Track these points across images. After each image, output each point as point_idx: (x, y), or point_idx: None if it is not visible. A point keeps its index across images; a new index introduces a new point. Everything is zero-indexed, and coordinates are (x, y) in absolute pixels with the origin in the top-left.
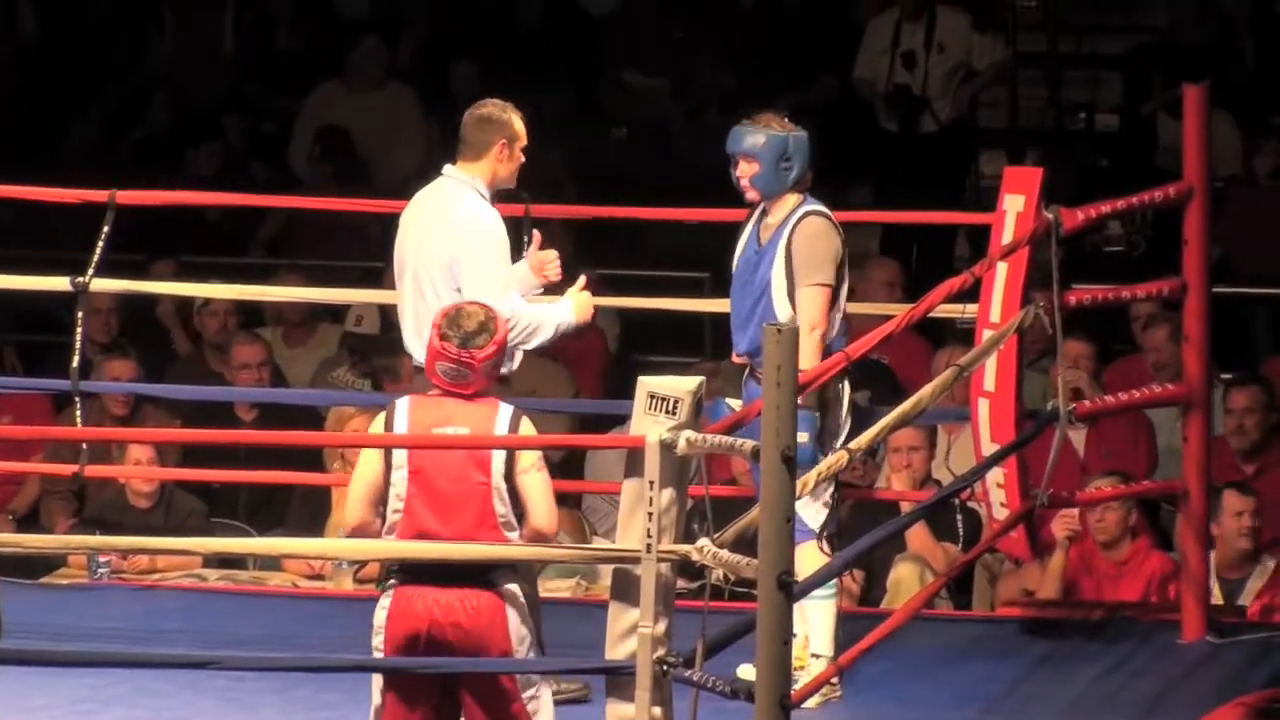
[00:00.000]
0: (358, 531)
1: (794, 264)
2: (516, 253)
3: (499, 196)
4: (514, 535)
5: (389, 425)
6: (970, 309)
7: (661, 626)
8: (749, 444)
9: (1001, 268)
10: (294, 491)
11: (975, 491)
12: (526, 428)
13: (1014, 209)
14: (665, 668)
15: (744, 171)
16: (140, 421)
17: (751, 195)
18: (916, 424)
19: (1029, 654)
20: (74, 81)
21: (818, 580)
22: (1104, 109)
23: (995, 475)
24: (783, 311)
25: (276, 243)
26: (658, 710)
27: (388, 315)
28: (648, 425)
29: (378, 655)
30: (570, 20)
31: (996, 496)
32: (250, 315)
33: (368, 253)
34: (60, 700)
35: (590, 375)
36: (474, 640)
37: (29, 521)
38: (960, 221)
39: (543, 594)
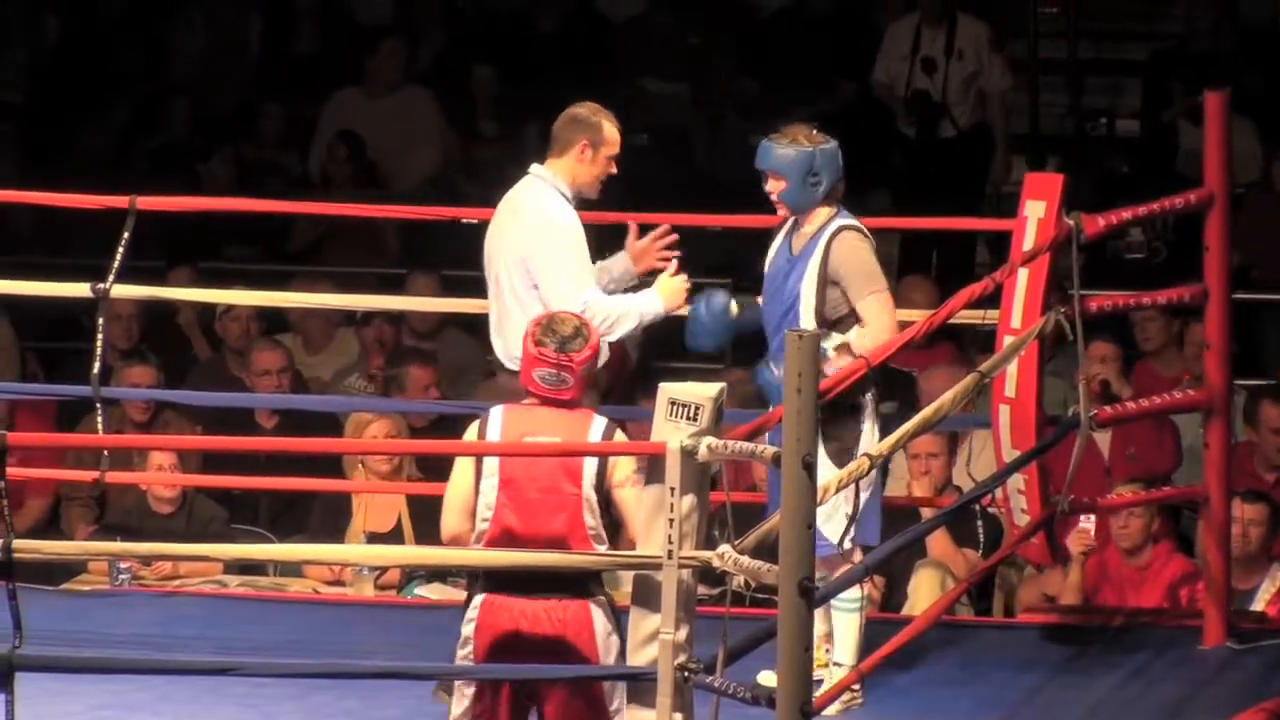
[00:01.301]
0: (454, 541)
1: (846, 281)
2: (597, 255)
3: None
4: (603, 548)
5: (482, 434)
6: (991, 315)
7: (683, 633)
8: (770, 450)
9: (1022, 274)
10: (315, 498)
11: (996, 497)
12: (621, 439)
13: (1035, 215)
14: (686, 674)
15: (773, 188)
16: (162, 428)
17: (782, 211)
18: (939, 430)
19: (1049, 660)
20: (93, 88)
21: (838, 586)
22: (1124, 115)
23: (1016, 481)
24: (809, 323)
25: (298, 249)
26: (679, 717)
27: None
28: (669, 431)
29: (466, 665)
30: (590, 26)
31: (1017, 503)
32: (271, 321)
33: (385, 259)
34: (81, 707)
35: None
36: (563, 651)
37: (49, 527)
38: (981, 228)
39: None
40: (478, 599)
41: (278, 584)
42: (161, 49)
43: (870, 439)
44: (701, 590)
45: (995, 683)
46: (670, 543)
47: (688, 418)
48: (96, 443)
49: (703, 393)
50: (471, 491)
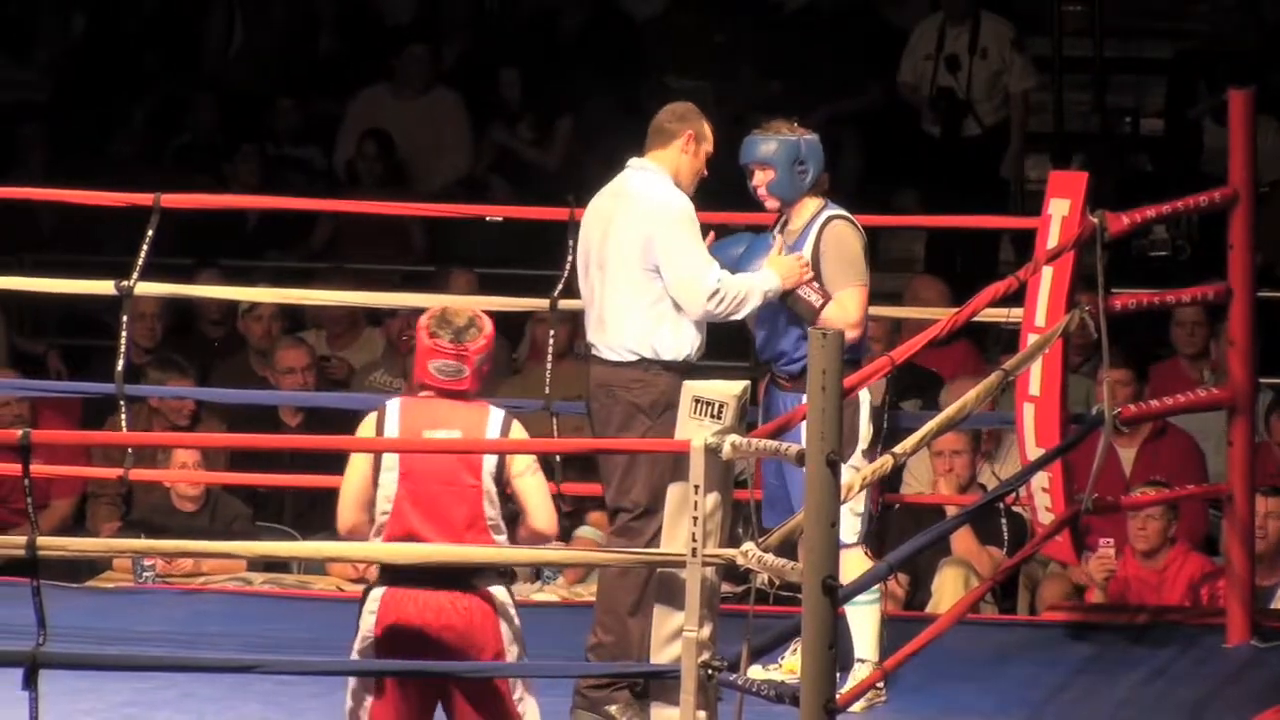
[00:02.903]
0: (350, 534)
1: (826, 269)
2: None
3: (541, 198)
4: (501, 538)
5: (380, 427)
6: (1015, 313)
7: (706, 631)
8: (794, 448)
9: (1047, 272)
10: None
11: (1020, 496)
12: (518, 431)
13: (1059, 213)
14: (710, 672)
15: (760, 180)
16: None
17: (771, 204)
18: (962, 428)
19: (1073, 658)
20: (118, 86)
21: (862, 584)
22: (1149, 114)
23: (1040, 480)
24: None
25: (321, 246)
26: (702, 714)
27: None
28: (693, 429)
29: (362, 657)
30: (613, 25)
31: (1041, 501)
32: (295, 319)
33: (412, 256)
34: (105, 704)
35: None
36: (465, 642)
37: (76, 525)
38: (1005, 226)
39: (588, 597)
40: (377, 592)
41: (302, 581)
42: (187, 47)
43: (865, 429)
44: (725, 588)
45: (1019, 681)
46: (694, 541)
47: (712, 416)
48: (119, 440)
49: (727, 391)
50: (368, 484)
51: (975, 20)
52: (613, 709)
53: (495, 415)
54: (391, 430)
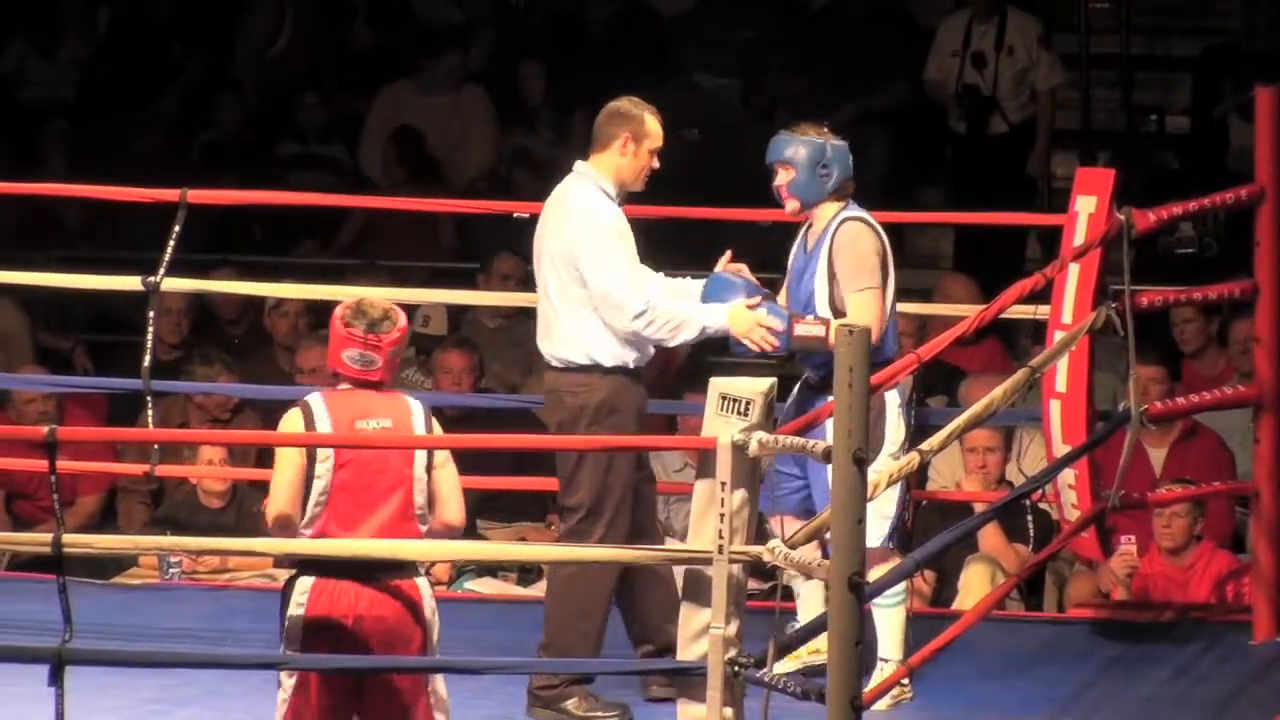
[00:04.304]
0: (283, 525)
1: (837, 272)
2: (654, 248)
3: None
4: (424, 528)
5: (308, 420)
6: (1042, 310)
7: (733, 627)
8: (820, 445)
9: (1073, 269)
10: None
11: (1047, 493)
12: (434, 422)
13: (1086, 210)
14: (737, 669)
15: (782, 179)
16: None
17: (792, 204)
18: (990, 425)
19: (1100, 655)
20: (144, 82)
21: (888, 581)
22: (1175, 111)
23: (1067, 477)
24: (825, 316)
25: (350, 243)
26: (729, 711)
27: (455, 316)
28: (719, 426)
29: (293, 650)
30: (641, 21)
31: (1068, 498)
32: (322, 317)
33: (438, 253)
34: (131, 701)
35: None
36: (394, 633)
37: (105, 521)
38: (1032, 223)
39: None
40: (306, 582)
41: None
42: (215, 43)
43: (896, 430)
44: (752, 585)
45: (1046, 678)
46: (721, 537)
47: (739, 413)
48: (144, 437)
49: (754, 388)
50: (301, 476)
51: (1002, 17)
52: (568, 704)
53: (416, 405)
54: (322, 423)
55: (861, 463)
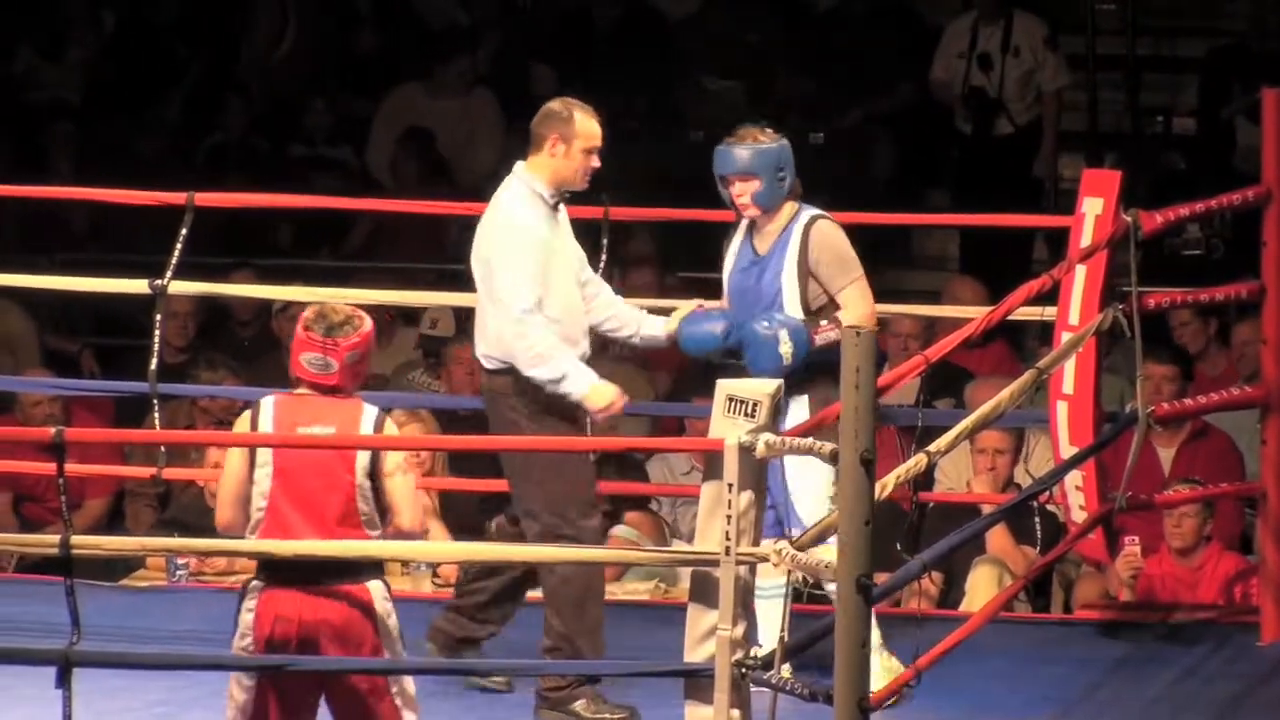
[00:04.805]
0: (228, 531)
1: (822, 273)
2: (595, 255)
3: (575, 198)
4: (375, 533)
5: (254, 423)
6: (1049, 312)
7: (740, 629)
8: (828, 447)
9: (1080, 270)
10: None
11: (1054, 494)
12: (390, 429)
13: (1093, 212)
14: (744, 670)
15: (742, 190)
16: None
17: (752, 213)
18: (998, 427)
19: (1107, 657)
20: (150, 85)
21: (897, 582)
22: (1182, 112)
23: (1074, 478)
24: (795, 315)
25: (358, 246)
26: (736, 713)
27: (462, 318)
28: (726, 428)
29: (243, 656)
30: (646, 24)
31: (1075, 499)
32: None
33: (446, 255)
34: (138, 703)
35: (668, 378)
36: (344, 637)
37: (112, 524)
38: (1038, 225)
39: (622, 596)
40: (255, 588)
41: None
42: (221, 46)
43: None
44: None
45: (1052, 679)
46: (728, 539)
47: (745, 414)
48: (151, 438)
49: (761, 389)
50: (244, 481)
51: (1008, 19)
52: (577, 705)
53: (369, 411)
54: (266, 427)
55: (869, 464)
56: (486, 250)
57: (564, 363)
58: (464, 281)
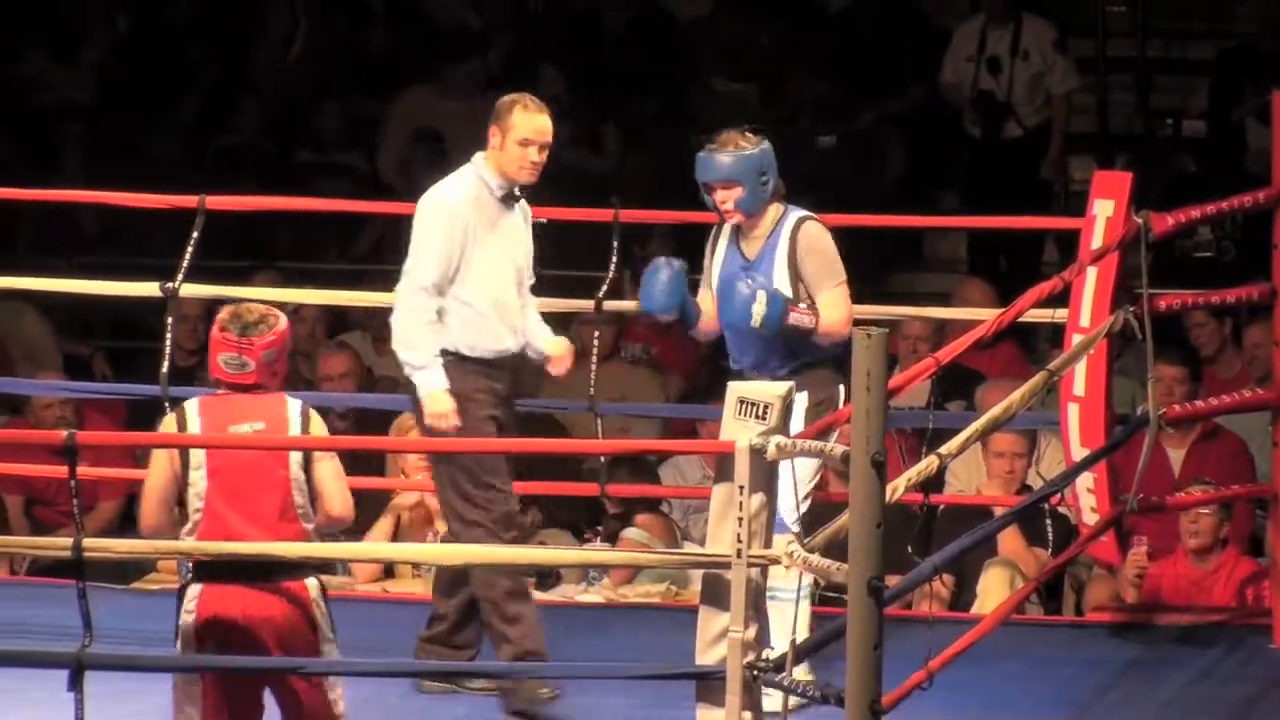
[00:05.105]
0: (154, 533)
1: (807, 273)
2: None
3: (586, 199)
4: (309, 525)
5: (181, 426)
6: (1060, 314)
7: (752, 631)
8: (839, 449)
9: (1091, 272)
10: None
11: (1065, 496)
12: (316, 420)
13: (1104, 214)
14: (755, 672)
15: (725, 197)
16: None
17: (737, 218)
18: (1009, 429)
19: (1118, 659)
20: (163, 87)
21: (906, 586)
22: (1193, 115)
23: (1085, 480)
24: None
25: (369, 249)
26: (748, 715)
27: None
28: (737, 430)
29: (187, 653)
30: (657, 26)
31: (1087, 501)
32: (341, 322)
33: None
34: (151, 707)
35: (681, 381)
36: (285, 634)
37: (124, 526)
38: (1049, 227)
39: (633, 599)
40: (194, 589)
41: (347, 582)
42: (234, 49)
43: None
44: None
45: (1064, 681)
46: (739, 541)
47: (756, 416)
48: (162, 441)
49: (771, 392)
50: (170, 483)
51: (1017, 22)
52: (540, 690)
53: (294, 405)
54: (194, 428)
55: (880, 466)
56: (414, 224)
57: (423, 355)
58: None
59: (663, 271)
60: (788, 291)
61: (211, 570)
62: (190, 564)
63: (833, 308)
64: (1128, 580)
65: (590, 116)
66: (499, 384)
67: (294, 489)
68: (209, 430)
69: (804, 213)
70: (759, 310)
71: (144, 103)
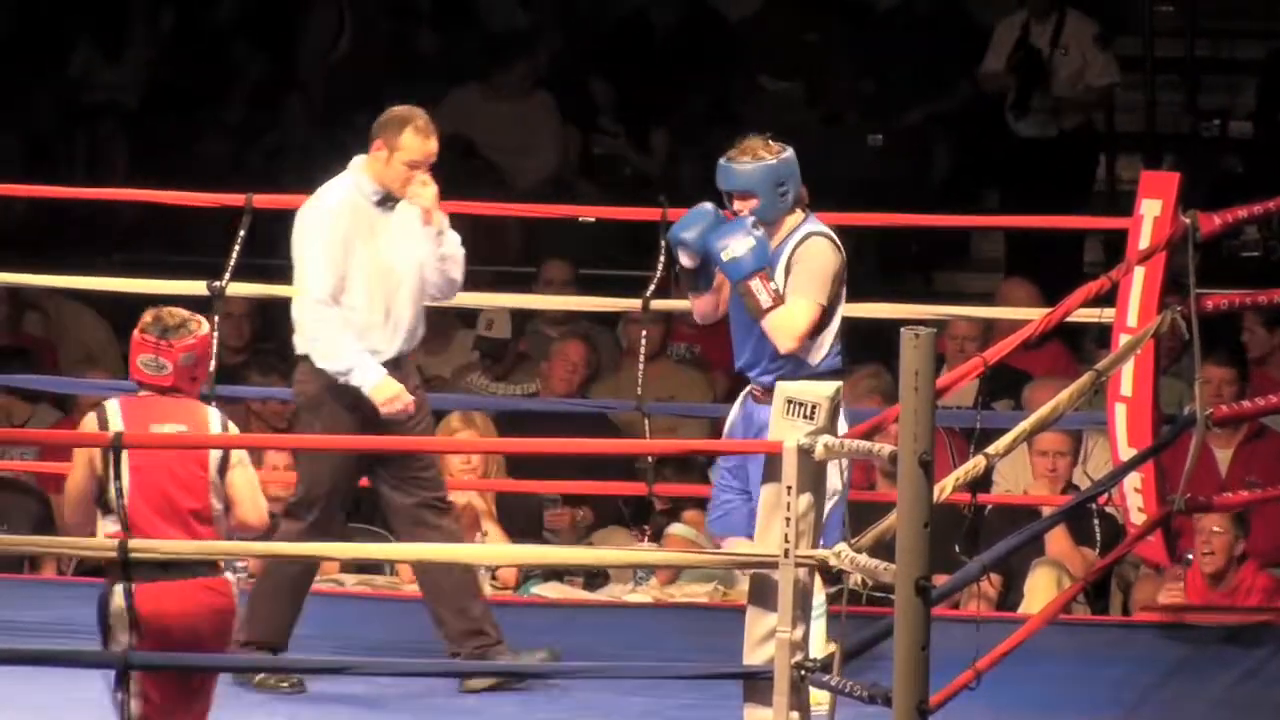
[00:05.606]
0: (75, 532)
1: (791, 279)
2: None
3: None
4: (221, 530)
5: (102, 425)
6: (1107, 314)
7: (799, 631)
8: (887, 449)
9: (1138, 272)
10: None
11: (1113, 496)
12: (233, 430)
13: (1151, 214)
14: (803, 672)
15: (742, 207)
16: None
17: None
18: (1056, 429)
19: (1166, 659)
20: (209, 86)
21: (954, 586)
22: (1240, 115)
23: (1133, 480)
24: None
25: None
26: (795, 715)
27: (519, 320)
28: (785, 430)
29: (121, 648)
30: (706, 25)
31: (1134, 501)
32: None
33: (507, 257)
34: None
35: (727, 379)
36: (215, 624)
37: None
38: (1095, 226)
39: (680, 599)
40: (122, 586)
41: (394, 583)
42: (280, 47)
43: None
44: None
45: (1112, 681)
46: (787, 541)
47: (804, 416)
48: (207, 443)
49: (820, 392)
50: (91, 481)
51: (1060, 16)
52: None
53: (213, 413)
54: (116, 427)
55: (927, 466)
56: (294, 237)
57: (351, 356)
58: (524, 283)
59: (709, 215)
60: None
61: (141, 567)
62: (105, 563)
63: (790, 315)
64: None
65: (638, 116)
66: None
67: (211, 492)
68: (131, 429)
69: (819, 227)
70: (737, 245)
71: (189, 101)
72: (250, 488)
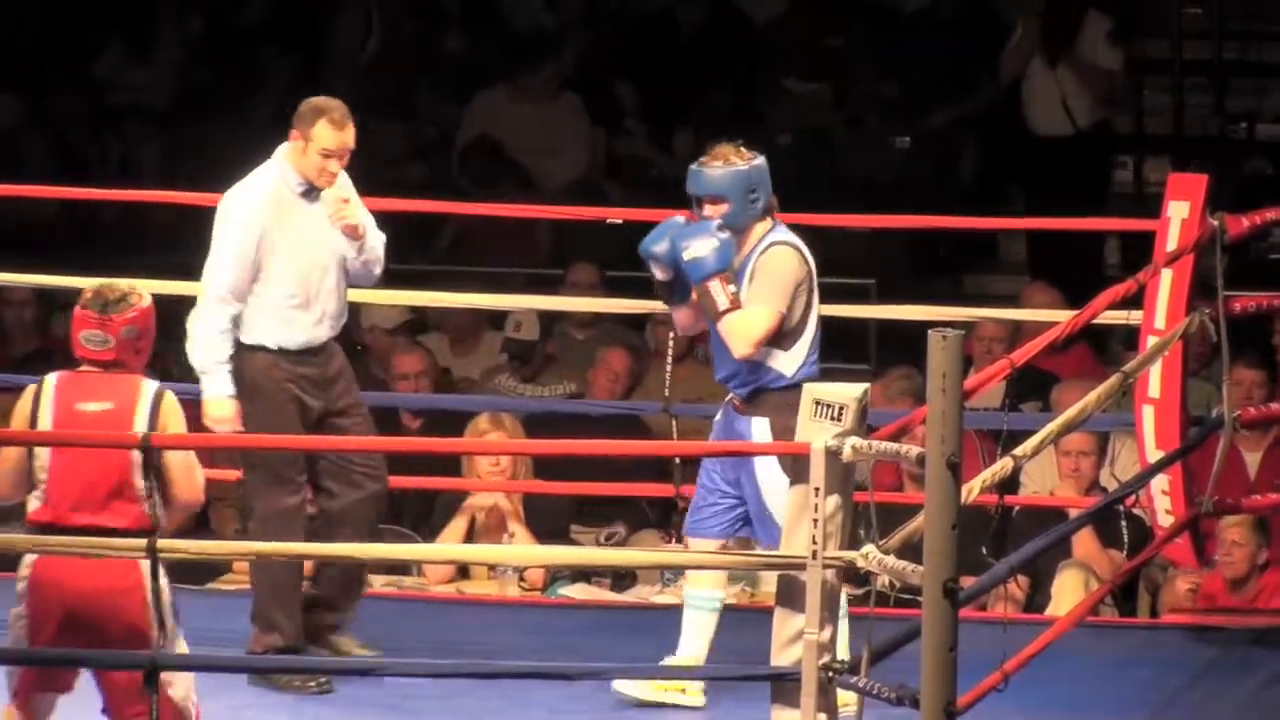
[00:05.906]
0: (2, 502)
1: (750, 286)
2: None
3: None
4: (151, 507)
5: (37, 401)
6: (1134, 316)
7: (827, 633)
8: (915, 451)
9: (1166, 275)
10: (450, 497)
11: (1140, 498)
12: (169, 401)
13: (1178, 216)
14: (831, 674)
15: (713, 213)
16: None
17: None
18: (1083, 430)
19: (1194, 661)
20: (237, 87)
21: (981, 588)
22: (1267, 118)
23: (1160, 482)
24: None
25: (445, 249)
26: (823, 717)
27: (548, 322)
28: (813, 431)
29: (19, 627)
30: (731, 26)
31: (1162, 504)
32: (416, 323)
33: (536, 259)
34: (222, 707)
35: None
36: (114, 608)
37: (199, 528)
38: (1122, 229)
39: None
40: (29, 558)
41: (421, 583)
42: (309, 48)
43: None
44: (846, 590)
45: (1140, 683)
46: (815, 543)
47: (832, 418)
48: (236, 443)
49: (847, 393)
50: (21, 457)
51: (1078, 16)
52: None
53: (148, 386)
54: (46, 403)
55: (955, 468)
56: (216, 221)
57: (210, 361)
58: (552, 285)
59: (678, 228)
60: None
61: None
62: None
63: (746, 320)
64: (1183, 596)
65: (663, 117)
66: (309, 369)
67: (133, 471)
68: (59, 407)
69: (787, 236)
70: (700, 245)
71: (218, 103)
72: (183, 465)
